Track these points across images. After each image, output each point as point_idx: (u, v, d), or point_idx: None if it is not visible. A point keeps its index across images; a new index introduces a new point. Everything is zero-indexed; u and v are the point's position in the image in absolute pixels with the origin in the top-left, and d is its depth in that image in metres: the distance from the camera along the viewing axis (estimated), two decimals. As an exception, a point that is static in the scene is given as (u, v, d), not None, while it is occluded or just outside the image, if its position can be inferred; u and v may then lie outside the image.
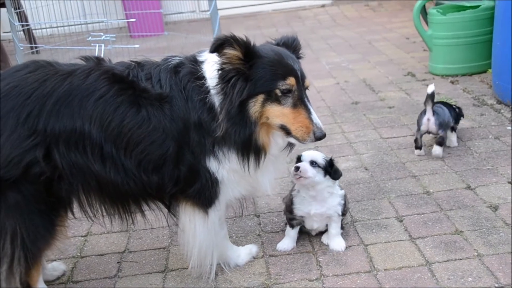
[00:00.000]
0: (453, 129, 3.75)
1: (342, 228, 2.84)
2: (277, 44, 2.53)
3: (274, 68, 2.32)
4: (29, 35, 7.81)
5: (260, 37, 7.86)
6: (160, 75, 2.41)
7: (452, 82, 4.90)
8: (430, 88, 3.55)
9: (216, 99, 2.35)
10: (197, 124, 2.37)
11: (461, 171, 3.41)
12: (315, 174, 2.60)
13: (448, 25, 5.06)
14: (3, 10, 7.23)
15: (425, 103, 3.59)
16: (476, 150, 3.66)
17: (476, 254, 2.62)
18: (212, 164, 2.42)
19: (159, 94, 2.36)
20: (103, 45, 6.18)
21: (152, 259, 2.87)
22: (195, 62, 2.44)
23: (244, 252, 2.76)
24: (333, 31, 7.80)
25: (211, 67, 2.36)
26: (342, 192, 2.76)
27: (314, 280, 2.58)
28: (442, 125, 3.58)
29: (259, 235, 3.00)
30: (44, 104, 2.25)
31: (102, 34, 6.80)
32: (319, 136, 2.34)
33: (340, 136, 4.14)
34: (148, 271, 2.75)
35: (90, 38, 6.33)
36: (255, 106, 2.30)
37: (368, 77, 5.49)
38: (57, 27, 8.42)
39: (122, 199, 2.50)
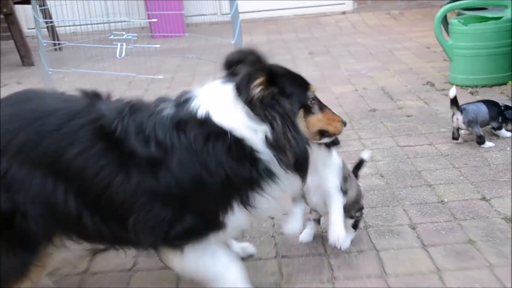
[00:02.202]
0: (496, 127, 4.00)
1: (355, 227, 2.84)
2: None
3: (295, 81, 2.25)
4: (53, 32, 7.90)
5: (281, 41, 7.92)
6: (158, 132, 2.10)
7: (472, 93, 4.91)
8: (452, 92, 3.80)
9: (257, 138, 2.11)
10: (225, 181, 2.10)
11: (477, 182, 3.43)
12: None
13: (469, 35, 5.08)
14: (28, 6, 7.34)
15: (451, 105, 3.87)
16: (494, 162, 3.69)
17: (487, 264, 2.63)
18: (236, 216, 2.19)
19: (152, 159, 2.09)
20: (124, 44, 6.25)
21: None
22: (205, 118, 2.12)
23: None
24: (354, 38, 7.81)
25: (226, 112, 2.12)
26: (339, 163, 2.65)
27: (325, 281, 2.61)
28: (470, 122, 3.81)
29: (273, 236, 3.03)
30: (8, 143, 2.06)
31: (124, 33, 6.88)
32: (345, 123, 2.41)
33: (357, 143, 4.18)
34: (163, 265, 2.76)
35: (112, 36, 6.41)
36: (301, 121, 2.21)
37: (387, 85, 5.52)
38: (80, 25, 8.50)
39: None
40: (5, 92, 6.37)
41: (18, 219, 2.06)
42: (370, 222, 3.08)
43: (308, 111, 2.25)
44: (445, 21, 5.41)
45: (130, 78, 6.38)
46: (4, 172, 2.03)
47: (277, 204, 2.29)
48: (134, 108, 2.21)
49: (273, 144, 2.10)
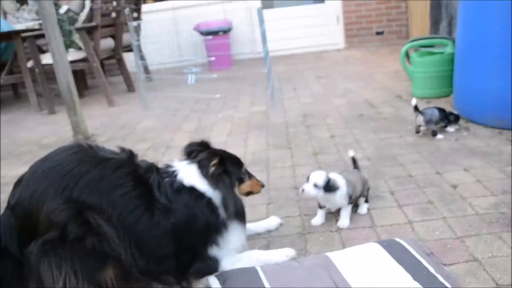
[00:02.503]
0: (444, 126, 4.03)
1: (367, 201, 2.87)
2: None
3: (235, 163, 2.34)
4: (146, 69, 8.00)
5: (296, 70, 7.95)
6: (167, 191, 2.13)
7: (427, 102, 4.87)
8: (413, 102, 3.92)
9: (216, 199, 2.20)
10: (205, 226, 2.16)
11: (433, 162, 3.44)
12: (316, 193, 2.56)
13: (424, 63, 5.09)
14: (131, 53, 7.48)
15: (414, 110, 3.95)
16: (443, 148, 3.69)
17: (442, 217, 2.67)
18: (213, 251, 2.23)
19: (167, 208, 2.10)
20: (193, 75, 6.35)
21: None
22: (190, 186, 2.18)
23: (280, 254, 2.40)
24: (345, 67, 7.77)
25: (200, 183, 2.19)
26: (344, 192, 2.62)
27: (333, 231, 2.66)
28: (428, 122, 3.89)
29: (297, 201, 3.06)
30: (78, 181, 1.98)
31: (192, 67, 6.98)
32: (263, 185, 2.49)
33: (351, 137, 4.19)
34: None
35: (185, 70, 6.53)
36: (237, 189, 2.33)
37: (370, 98, 5.50)
38: (163, 63, 8.67)
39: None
40: (119, 109, 6.54)
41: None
42: (363, 190, 3.10)
43: (241, 181, 2.36)
44: (407, 54, 5.43)
45: (197, 98, 6.45)
46: (80, 200, 1.96)
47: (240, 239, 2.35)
48: (156, 167, 2.26)
49: (222, 203, 2.22)
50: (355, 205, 2.83)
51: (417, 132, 4.04)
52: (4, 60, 7.53)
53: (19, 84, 8.49)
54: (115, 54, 7.57)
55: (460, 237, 2.44)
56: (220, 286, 2.11)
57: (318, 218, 2.76)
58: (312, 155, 3.84)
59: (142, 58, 7.21)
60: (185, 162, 2.30)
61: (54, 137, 5.53)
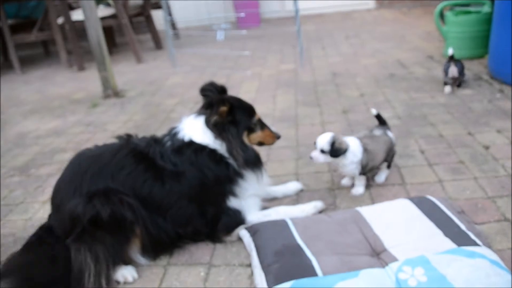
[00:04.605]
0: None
1: (389, 167, 2.70)
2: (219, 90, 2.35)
3: (245, 111, 2.28)
4: (173, 26, 7.95)
5: (325, 30, 7.78)
6: (170, 156, 2.16)
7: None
8: (450, 51, 4.02)
9: (222, 150, 2.20)
10: (215, 179, 2.18)
11: (464, 123, 3.37)
12: (324, 159, 2.42)
13: (459, 23, 4.90)
14: (159, 11, 7.42)
15: (449, 61, 3.99)
16: (475, 109, 3.59)
17: (473, 177, 2.62)
18: (232, 202, 2.24)
19: (175, 172, 2.13)
20: (223, 31, 6.27)
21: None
22: (190, 141, 2.20)
23: (309, 207, 2.40)
24: (375, 27, 7.58)
25: (200, 135, 2.20)
26: (358, 159, 2.45)
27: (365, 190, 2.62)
28: (460, 73, 3.96)
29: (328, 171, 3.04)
30: (83, 177, 2.06)
31: (222, 23, 6.90)
32: (278, 136, 2.40)
33: (382, 97, 4.11)
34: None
35: (214, 26, 6.46)
36: (246, 138, 2.27)
37: (401, 58, 5.37)
38: (191, 21, 8.57)
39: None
40: (147, 66, 6.56)
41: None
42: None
43: (251, 131, 2.30)
44: (441, 13, 5.24)
45: (225, 55, 6.39)
46: (92, 190, 2.03)
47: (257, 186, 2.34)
48: (155, 140, 2.26)
49: (229, 154, 2.20)
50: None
51: (447, 84, 4.03)
52: (35, 18, 7.56)
53: (49, 42, 8.55)
54: (144, 11, 7.52)
55: (491, 197, 2.40)
56: (250, 238, 2.13)
57: (347, 179, 2.67)
58: (342, 113, 3.80)
59: (170, 14, 7.16)
60: (192, 116, 2.29)
61: (84, 92, 5.59)
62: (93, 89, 5.59)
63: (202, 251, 2.23)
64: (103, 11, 6.81)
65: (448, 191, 2.50)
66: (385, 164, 2.66)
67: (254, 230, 2.17)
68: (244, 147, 2.23)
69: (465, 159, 2.82)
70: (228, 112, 2.17)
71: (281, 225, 2.14)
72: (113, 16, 6.86)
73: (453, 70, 3.92)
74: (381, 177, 2.67)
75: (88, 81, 6.14)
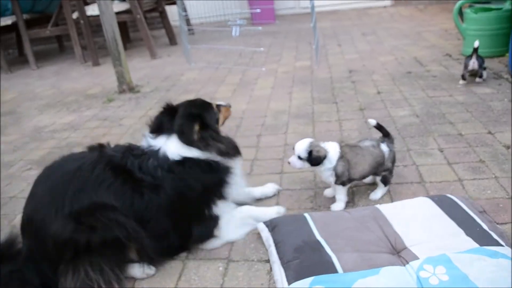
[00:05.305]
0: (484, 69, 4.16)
1: (385, 183, 2.50)
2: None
3: (208, 111, 2.34)
4: (188, 22, 7.97)
5: (341, 27, 7.74)
6: (150, 169, 2.11)
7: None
8: (476, 43, 4.00)
9: (212, 156, 2.21)
10: (203, 188, 2.16)
11: (484, 121, 3.33)
12: (301, 165, 2.36)
13: (478, 21, 4.83)
14: (173, 6, 7.43)
15: (472, 55, 4.02)
16: (495, 108, 3.55)
17: (494, 176, 2.59)
18: (218, 208, 2.23)
19: (155, 185, 2.08)
20: (238, 27, 6.28)
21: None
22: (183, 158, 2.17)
23: (272, 211, 2.40)
24: (392, 24, 7.52)
25: (188, 151, 2.17)
26: (332, 165, 2.35)
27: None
28: (480, 66, 4.03)
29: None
30: (64, 197, 1.95)
31: (237, 19, 6.90)
32: (230, 105, 2.55)
33: (399, 94, 4.08)
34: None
35: (229, 22, 6.46)
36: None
37: (418, 56, 5.33)
38: (205, 17, 8.59)
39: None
40: (162, 61, 6.58)
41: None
42: (411, 147, 3.04)
43: (218, 121, 2.39)
44: (460, 10, 5.19)
45: (240, 51, 6.39)
46: (75, 209, 1.94)
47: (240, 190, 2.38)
48: (131, 150, 2.21)
49: (221, 155, 2.23)
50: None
51: (464, 78, 4.10)
52: (50, 12, 7.63)
53: (63, 37, 8.62)
54: (158, 6, 7.54)
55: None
56: (269, 233, 2.14)
57: (330, 190, 2.54)
58: (359, 110, 3.78)
59: (184, 10, 7.17)
60: (164, 137, 2.23)
61: (99, 87, 5.63)
62: (108, 84, 5.63)
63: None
64: (118, 6, 6.83)
65: (468, 190, 2.47)
66: (377, 179, 2.50)
67: (273, 225, 2.18)
68: (224, 139, 2.32)
69: (486, 158, 2.79)
70: (200, 127, 2.22)
71: (300, 220, 2.14)
72: (127, 11, 6.89)
73: (474, 63, 3.98)
74: (376, 194, 2.50)
75: (103, 76, 6.18)
